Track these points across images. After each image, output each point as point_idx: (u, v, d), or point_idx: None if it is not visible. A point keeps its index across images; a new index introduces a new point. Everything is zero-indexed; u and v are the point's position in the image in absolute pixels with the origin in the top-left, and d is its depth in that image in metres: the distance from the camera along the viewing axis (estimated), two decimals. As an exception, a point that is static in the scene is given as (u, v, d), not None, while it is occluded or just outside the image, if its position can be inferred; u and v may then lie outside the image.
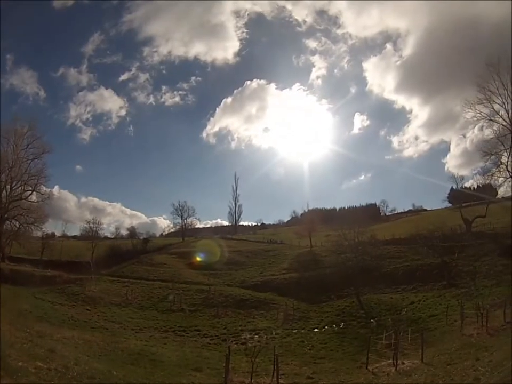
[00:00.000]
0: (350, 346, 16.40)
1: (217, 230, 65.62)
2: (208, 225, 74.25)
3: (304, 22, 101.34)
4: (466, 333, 13.46)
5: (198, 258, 35.62)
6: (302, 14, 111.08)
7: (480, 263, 25.38)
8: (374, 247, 29.79)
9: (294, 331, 19.45)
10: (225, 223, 69.35)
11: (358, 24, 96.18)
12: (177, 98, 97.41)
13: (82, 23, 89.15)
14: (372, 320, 20.45)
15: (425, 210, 61.52)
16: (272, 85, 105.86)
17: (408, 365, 11.23)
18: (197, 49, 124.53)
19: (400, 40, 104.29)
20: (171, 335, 18.56)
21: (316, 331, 19.67)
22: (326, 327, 20.32)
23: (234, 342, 17.38)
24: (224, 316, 22.78)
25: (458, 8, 67.10)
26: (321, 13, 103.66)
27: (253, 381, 10.33)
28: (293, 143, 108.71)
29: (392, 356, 11.81)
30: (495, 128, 30.03)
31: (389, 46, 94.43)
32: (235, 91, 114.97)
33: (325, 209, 67.13)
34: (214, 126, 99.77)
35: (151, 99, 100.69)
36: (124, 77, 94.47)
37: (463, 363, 9.41)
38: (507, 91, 28.69)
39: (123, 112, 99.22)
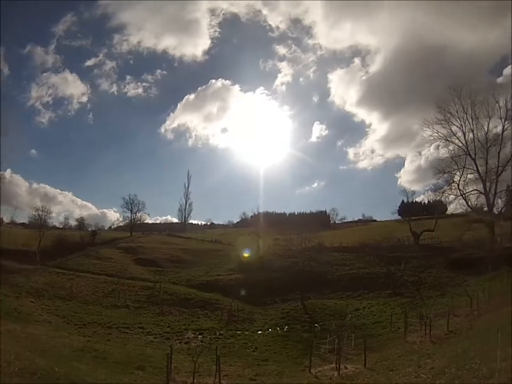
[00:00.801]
0: (294, 349, 16.83)
1: (166, 227, 65.04)
2: (158, 221, 73.45)
3: (278, 28, 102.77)
4: (410, 340, 14.02)
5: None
6: (276, 20, 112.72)
7: (426, 274, 26.80)
8: (321, 253, 30.79)
9: (238, 332, 19.68)
10: (175, 220, 68.91)
11: (330, 36, 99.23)
12: (140, 90, 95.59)
13: (57, 2, 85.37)
14: (316, 325, 20.89)
15: (375, 221, 63.45)
16: (237, 87, 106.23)
17: (350, 369, 11.62)
18: (167, 43, 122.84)
19: (369, 57, 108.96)
20: (115, 332, 18.41)
21: (260, 333, 19.95)
22: (270, 329, 20.60)
23: (177, 341, 17.55)
24: (169, 314, 22.78)
25: (428, 34, 71.50)
26: (295, 21, 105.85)
27: (195, 381, 10.44)
28: (250, 146, 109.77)
29: (335, 360, 12.17)
30: (450, 148, 32.39)
31: (357, 60, 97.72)
32: (199, 88, 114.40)
33: (275, 213, 68.08)
34: (173, 121, 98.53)
35: (114, 88, 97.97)
36: (90, 63, 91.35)
37: (405, 369, 9.77)
38: (466, 114, 31.00)
39: (84, 99, 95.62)
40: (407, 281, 26.26)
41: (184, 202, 62.14)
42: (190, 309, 23.93)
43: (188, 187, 62.44)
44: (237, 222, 71.23)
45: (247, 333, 19.79)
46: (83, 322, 19.33)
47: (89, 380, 8.87)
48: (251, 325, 21.29)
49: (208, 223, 75.57)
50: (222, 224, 75.74)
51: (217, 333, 19.24)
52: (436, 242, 33.24)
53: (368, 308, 23.13)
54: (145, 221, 56.40)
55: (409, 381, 8.56)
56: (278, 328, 20.75)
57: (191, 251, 38.98)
